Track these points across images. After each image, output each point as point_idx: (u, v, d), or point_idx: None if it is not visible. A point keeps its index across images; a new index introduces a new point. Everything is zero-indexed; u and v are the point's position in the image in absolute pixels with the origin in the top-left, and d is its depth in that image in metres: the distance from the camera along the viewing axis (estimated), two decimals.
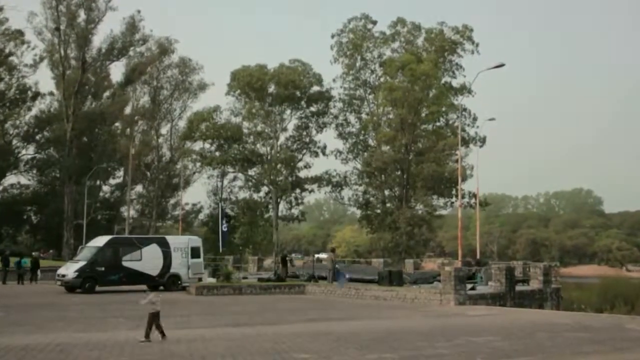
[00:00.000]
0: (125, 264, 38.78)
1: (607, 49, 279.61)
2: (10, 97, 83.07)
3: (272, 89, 76.82)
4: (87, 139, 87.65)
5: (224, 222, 50.15)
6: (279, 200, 78.21)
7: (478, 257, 59.95)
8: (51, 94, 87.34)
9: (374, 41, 77.17)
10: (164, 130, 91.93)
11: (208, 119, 78.04)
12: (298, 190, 79.29)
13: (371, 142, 78.17)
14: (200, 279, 41.24)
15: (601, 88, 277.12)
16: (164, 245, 40.63)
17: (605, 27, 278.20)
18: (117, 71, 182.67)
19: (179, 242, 42.28)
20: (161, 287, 40.06)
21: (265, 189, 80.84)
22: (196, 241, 43.48)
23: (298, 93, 76.51)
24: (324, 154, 79.23)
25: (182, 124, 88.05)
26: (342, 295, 36.29)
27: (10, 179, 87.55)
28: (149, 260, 39.45)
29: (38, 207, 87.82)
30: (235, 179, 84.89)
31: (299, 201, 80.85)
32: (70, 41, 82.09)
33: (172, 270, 40.28)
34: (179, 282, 40.34)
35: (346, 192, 79.58)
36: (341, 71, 77.93)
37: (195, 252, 41.70)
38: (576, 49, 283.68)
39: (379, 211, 75.28)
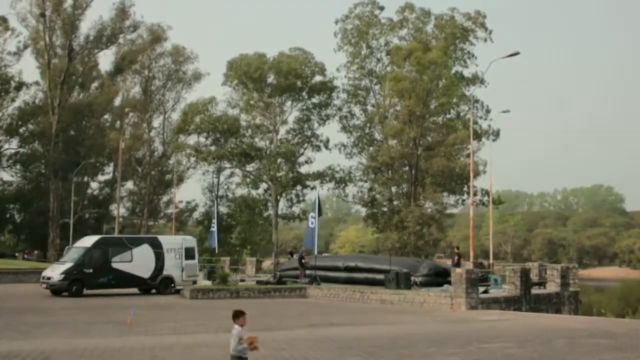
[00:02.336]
0: (114, 265, 38.58)
1: (631, 35, 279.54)
2: None
3: (271, 78, 76.69)
4: (74, 132, 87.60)
5: (213, 221, 50.02)
6: (278, 197, 78.17)
7: (490, 259, 60.00)
8: (36, 84, 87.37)
9: (381, 28, 77.08)
10: (156, 123, 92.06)
11: (203, 111, 77.97)
12: (299, 187, 79.22)
13: (377, 135, 78.10)
14: (194, 282, 41.21)
15: (624, 78, 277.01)
16: (156, 246, 40.49)
17: (629, 13, 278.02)
18: (106, 60, 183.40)
19: (172, 242, 42.19)
20: (153, 290, 40.14)
21: (264, 185, 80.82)
22: (191, 241, 43.41)
23: (299, 83, 76.37)
24: (326, 148, 79.18)
25: (175, 116, 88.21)
26: (346, 299, 36.29)
27: None
28: (140, 261, 39.28)
29: (22, 205, 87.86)
30: (232, 175, 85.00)
31: (300, 198, 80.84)
32: (56, 28, 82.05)
33: (165, 272, 40.15)
34: (172, 285, 40.30)
35: (350, 189, 79.62)
36: (345, 60, 77.94)
37: (189, 253, 41.59)
38: (597, 36, 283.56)
39: (385, 209, 75.25)
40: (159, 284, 39.95)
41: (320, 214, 43.33)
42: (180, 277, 40.64)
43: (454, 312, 30.37)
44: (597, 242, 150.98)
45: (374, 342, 19.70)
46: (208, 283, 41.06)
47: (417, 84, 67.56)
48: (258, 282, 42.38)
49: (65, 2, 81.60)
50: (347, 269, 42.67)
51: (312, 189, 78.71)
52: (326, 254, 75.71)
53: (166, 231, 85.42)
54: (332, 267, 43.93)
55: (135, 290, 39.94)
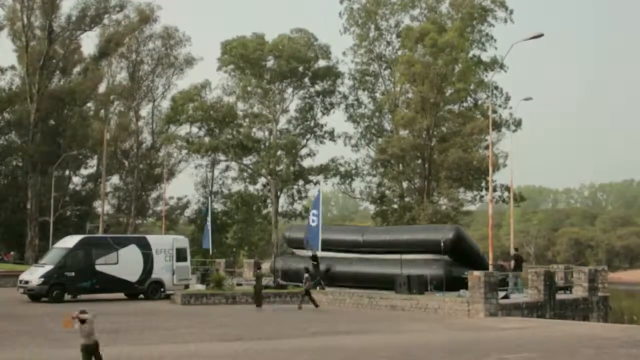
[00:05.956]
0: (99, 268, 38.58)
1: None
2: None
3: (270, 63, 76.65)
4: (54, 122, 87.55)
5: (207, 219, 49.96)
6: (278, 193, 78.23)
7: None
8: (12, 68, 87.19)
9: (391, 7, 76.93)
10: (145, 111, 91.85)
11: (196, 99, 77.94)
12: (301, 182, 79.23)
13: (387, 125, 78.07)
14: (186, 286, 41.25)
15: None
16: (145, 247, 40.55)
17: None
18: (89, 43, 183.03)
19: (162, 242, 42.19)
20: (141, 296, 40.17)
21: (262, 180, 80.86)
22: (182, 241, 43.45)
23: (301, 68, 76.34)
24: (331, 139, 79.16)
25: (165, 104, 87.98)
26: (353, 304, 36.33)
27: None
28: (126, 263, 39.27)
29: None
30: (227, 168, 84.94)
31: (302, 194, 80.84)
32: (35, 7, 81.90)
33: (154, 275, 40.19)
34: (162, 289, 40.35)
35: (357, 184, 79.56)
36: (352, 43, 77.81)
37: (181, 255, 41.64)
38: (629, 15, 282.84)
39: (396, 206, 75.19)
40: (147, 288, 39.99)
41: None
42: (170, 281, 40.72)
43: (471, 319, 30.36)
44: (629, 243, 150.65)
45: (382, 352, 19.69)
46: (201, 287, 41.09)
47: (431, 69, 67.47)
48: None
49: None
50: (368, 244, 43.01)
51: (315, 184, 78.74)
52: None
53: (155, 230, 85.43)
54: (349, 241, 44.25)
55: (121, 295, 39.98)
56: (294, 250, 48.03)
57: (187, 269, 42.42)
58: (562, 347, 21.06)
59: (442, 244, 38.13)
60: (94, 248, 39.46)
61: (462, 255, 39.07)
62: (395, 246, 41.12)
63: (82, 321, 14.67)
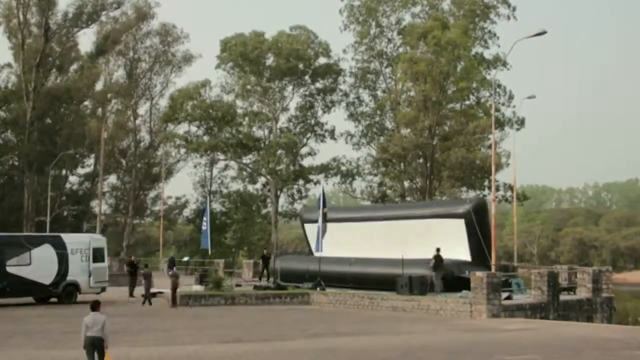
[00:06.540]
0: (10, 269, 36.04)
1: None
2: None
3: (270, 60, 76.56)
4: (50, 121, 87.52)
5: (204, 218, 50.00)
6: (278, 193, 78.15)
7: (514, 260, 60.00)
8: (8, 66, 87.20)
9: (392, 4, 76.81)
10: (142, 110, 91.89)
11: (194, 97, 77.87)
12: (301, 182, 79.15)
13: (388, 124, 77.92)
14: (103, 289, 39.52)
15: None
16: (59, 246, 38.12)
17: None
18: (86, 40, 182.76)
19: (78, 241, 39.88)
20: (54, 299, 38.04)
21: (262, 179, 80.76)
22: (100, 241, 41.48)
23: (301, 66, 76.22)
24: (332, 138, 79.07)
25: (163, 102, 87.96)
26: (354, 305, 36.33)
27: None
28: (40, 264, 36.77)
29: None
30: (226, 167, 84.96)
31: (303, 194, 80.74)
32: (31, 4, 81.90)
33: (69, 277, 37.92)
34: (78, 292, 38.14)
35: (358, 184, 79.47)
36: (352, 40, 77.69)
37: (98, 255, 39.67)
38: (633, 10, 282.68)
39: None
40: (61, 291, 37.74)
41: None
42: (87, 283, 38.65)
43: (473, 321, 30.36)
44: (633, 243, 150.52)
45: (383, 354, 19.71)
46: (200, 288, 41.00)
47: (434, 67, 67.39)
48: (256, 287, 42.41)
49: None
50: (391, 218, 43.60)
51: (315, 183, 78.67)
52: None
53: (153, 229, 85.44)
54: (356, 218, 44.75)
55: (32, 299, 38.14)
56: (306, 225, 50.26)
57: (105, 271, 40.52)
58: (565, 349, 21.08)
59: (468, 206, 38.86)
60: (5, 247, 36.78)
61: (481, 228, 39.38)
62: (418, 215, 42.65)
63: None
